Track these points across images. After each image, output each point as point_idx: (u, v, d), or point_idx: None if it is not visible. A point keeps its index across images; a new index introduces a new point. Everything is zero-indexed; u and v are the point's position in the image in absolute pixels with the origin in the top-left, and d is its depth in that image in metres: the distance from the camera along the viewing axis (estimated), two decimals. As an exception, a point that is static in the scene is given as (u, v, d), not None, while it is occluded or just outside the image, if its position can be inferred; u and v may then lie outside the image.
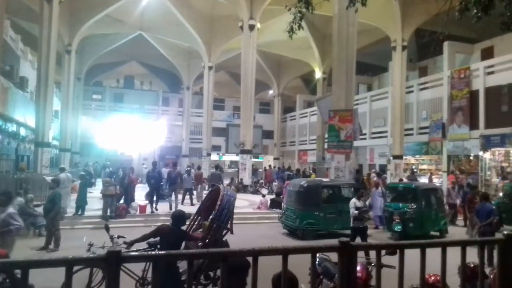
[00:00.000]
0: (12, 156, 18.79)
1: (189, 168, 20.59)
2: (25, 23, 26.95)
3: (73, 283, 2.25)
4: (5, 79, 16.95)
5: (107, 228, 6.83)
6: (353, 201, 9.77)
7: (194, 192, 18.72)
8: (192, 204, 16.99)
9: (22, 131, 21.16)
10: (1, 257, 3.55)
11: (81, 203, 13.85)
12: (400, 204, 12.32)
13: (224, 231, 6.73)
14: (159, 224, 13.37)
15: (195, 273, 5.86)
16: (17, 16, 25.30)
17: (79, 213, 13.84)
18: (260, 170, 33.54)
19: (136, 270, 6.14)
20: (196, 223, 7.48)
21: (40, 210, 11.52)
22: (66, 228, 11.68)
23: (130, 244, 6.02)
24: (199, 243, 6.28)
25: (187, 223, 6.75)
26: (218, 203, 6.50)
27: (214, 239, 6.43)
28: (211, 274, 6.67)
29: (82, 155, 34.57)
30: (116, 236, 6.68)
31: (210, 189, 19.96)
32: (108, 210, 13.67)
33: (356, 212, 9.52)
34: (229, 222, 6.71)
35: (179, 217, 5.78)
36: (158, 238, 5.97)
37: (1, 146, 17.38)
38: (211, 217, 6.48)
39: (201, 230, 7.09)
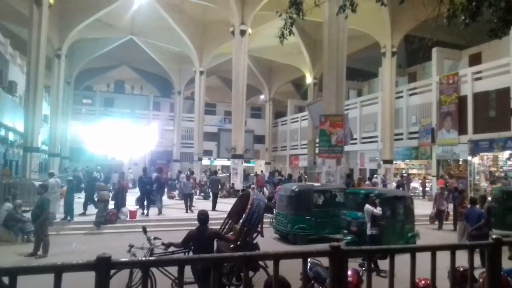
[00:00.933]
0: (0, 161, 18.53)
1: (188, 173, 20.25)
2: (14, 27, 26.72)
3: (114, 282, 2.21)
4: (-7, 83, 16.79)
5: (144, 230, 6.99)
6: (369, 208, 9.19)
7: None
8: (186, 212, 16.39)
9: (11, 136, 20.89)
10: (-12, 264, 3.48)
11: (68, 209, 13.67)
12: (359, 213, 10.43)
13: (255, 234, 6.94)
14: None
15: (228, 274, 6.03)
16: (6, 19, 25.11)
17: (68, 218, 13.68)
18: (252, 175, 33.49)
19: (173, 270, 6.14)
20: (227, 226, 7.68)
21: (28, 215, 11.37)
22: (55, 234, 11.53)
23: (167, 246, 6.31)
24: (231, 245, 6.46)
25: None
26: (249, 207, 6.68)
27: (245, 241, 6.60)
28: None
29: (72, 160, 34.23)
30: (152, 237, 6.82)
31: (206, 193, 19.97)
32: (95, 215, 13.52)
33: (378, 213, 9.12)
34: (259, 225, 6.93)
35: (204, 216, 5.94)
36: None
37: (-12, 151, 17.18)
38: (241, 220, 6.69)
39: (232, 233, 7.29)
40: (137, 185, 17.29)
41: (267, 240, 7.69)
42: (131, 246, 6.69)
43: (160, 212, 15.74)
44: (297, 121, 39.43)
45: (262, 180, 25.52)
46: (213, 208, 16.89)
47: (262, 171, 31.89)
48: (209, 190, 20.47)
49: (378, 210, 9.38)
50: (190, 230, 5.99)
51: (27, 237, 11.31)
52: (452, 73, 23.08)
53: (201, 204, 18.28)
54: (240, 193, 9.92)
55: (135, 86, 46.56)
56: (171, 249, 6.43)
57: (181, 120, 40.48)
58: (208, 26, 31.42)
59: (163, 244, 6.46)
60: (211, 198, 18.74)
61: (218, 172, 22.50)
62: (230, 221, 7.71)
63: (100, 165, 28.81)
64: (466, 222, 9.85)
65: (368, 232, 9.37)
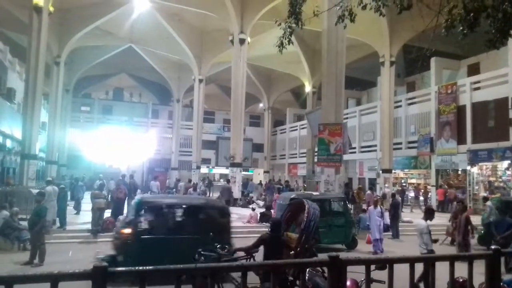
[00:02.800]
0: (-3, 168, 18.52)
1: (195, 183, 19.95)
2: (13, 34, 26.82)
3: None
4: (-8, 90, 16.80)
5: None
6: (425, 224, 7.98)
7: None
8: None
9: (8, 143, 20.85)
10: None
11: (60, 217, 13.57)
12: None
13: (313, 241, 7.07)
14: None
15: (292, 281, 5.99)
16: (5, 27, 25.20)
17: (64, 227, 13.55)
18: (252, 182, 33.41)
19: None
20: None
21: (25, 223, 11.29)
22: (51, 242, 11.44)
23: (233, 251, 6.67)
24: (291, 252, 6.57)
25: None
26: (306, 215, 6.76)
27: (304, 248, 6.68)
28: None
29: (70, 168, 34.12)
30: (218, 245, 6.89)
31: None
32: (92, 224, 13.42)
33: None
34: (317, 232, 7.12)
35: (278, 223, 6.30)
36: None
37: (-14, 158, 17.13)
38: (301, 227, 6.74)
39: None
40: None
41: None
42: (200, 251, 6.79)
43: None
44: (296, 129, 39.46)
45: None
46: None
47: (260, 181, 31.85)
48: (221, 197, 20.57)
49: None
50: (263, 234, 6.34)
51: (23, 245, 11.20)
52: (450, 83, 23.19)
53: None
54: (289, 202, 9.91)
55: (134, 93, 46.64)
56: (237, 254, 6.71)
57: (179, 128, 40.47)
58: (208, 34, 31.58)
59: (228, 251, 6.68)
60: None
61: (230, 181, 22.66)
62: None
63: (102, 173, 28.72)
64: (495, 230, 9.91)
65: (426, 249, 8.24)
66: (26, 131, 19.32)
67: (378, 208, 12.38)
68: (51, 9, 20.76)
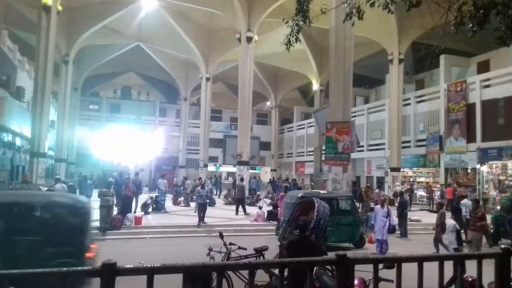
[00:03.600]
0: (7, 166, 18.65)
1: (204, 181, 19.70)
2: (22, 33, 27.04)
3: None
4: (1, 89, 16.93)
5: (221, 236, 7.26)
6: (452, 224, 8.38)
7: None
8: (199, 223, 14.85)
9: (18, 141, 21.04)
10: (-7, 269, 3.49)
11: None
12: None
13: (323, 240, 7.10)
14: (150, 236, 13.31)
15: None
16: (14, 26, 25.40)
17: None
18: (254, 179, 33.38)
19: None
20: (287, 232, 7.73)
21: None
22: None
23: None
24: None
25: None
26: (315, 213, 6.82)
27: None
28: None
29: (78, 166, 34.41)
30: (228, 243, 7.09)
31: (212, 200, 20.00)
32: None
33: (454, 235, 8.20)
34: (326, 231, 7.14)
35: (305, 224, 6.30)
36: (264, 245, 7.06)
37: (-4, 156, 17.29)
38: (310, 226, 6.74)
39: None
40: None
41: (273, 248, 7.64)
42: (210, 250, 6.98)
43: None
44: (304, 128, 39.39)
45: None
46: (245, 212, 17.92)
47: (270, 179, 31.89)
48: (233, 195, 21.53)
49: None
50: (292, 236, 6.45)
51: (33, 242, 11.31)
52: (460, 80, 22.98)
53: (210, 211, 17.26)
54: (299, 200, 10.00)
55: (141, 92, 46.83)
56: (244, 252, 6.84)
57: (187, 126, 40.60)
58: (215, 33, 31.63)
59: (255, 249, 6.89)
60: (216, 204, 19.20)
61: (243, 179, 22.95)
62: (289, 227, 7.81)
63: (112, 170, 28.91)
64: (510, 228, 9.90)
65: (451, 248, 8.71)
66: (35, 130, 19.51)
67: (385, 208, 11.81)
68: (60, 8, 20.92)
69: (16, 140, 20.68)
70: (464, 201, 13.57)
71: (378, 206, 12.00)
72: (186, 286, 2.62)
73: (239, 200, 18.71)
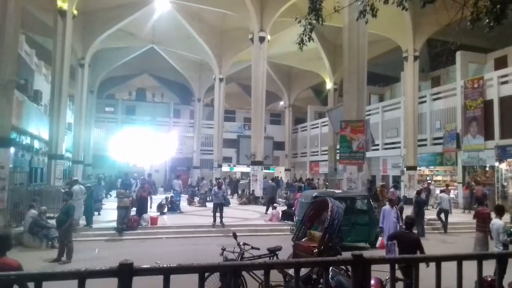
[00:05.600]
0: (26, 169, 19.00)
1: (220, 181, 19.56)
2: (39, 38, 27.54)
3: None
4: (19, 93, 17.24)
5: (235, 236, 7.34)
6: (501, 224, 7.76)
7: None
8: (214, 223, 14.77)
9: (36, 144, 21.43)
10: (14, 268, 3.57)
11: (86, 214, 13.88)
12: None
13: (337, 240, 7.13)
14: (166, 237, 13.40)
15: (316, 279, 6.09)
16: (31, 31, 25.88)
17: (90, 225, 13.87)
18: (265, 179, 33.36)
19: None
20: (301, 232, 7.77)
21: (53, 222, 11.60)
22: (78, 240, 11.72)
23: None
24: (315, 251, 6.61)
25: None
26: (329, 213, 6.80)
27: (328, 247, 6.74)
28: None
29: (95, 167, 34.87)
30: (241, 243, 7.13)
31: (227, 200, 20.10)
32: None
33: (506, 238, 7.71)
34: (340, 231, 7.17)
35: (411, 221, 7.07)
36: (278, 245, 7.19)
37: (15, 159, 17.58)
38: (324, 226, 6.78)
39: (306, 238, 7.52)
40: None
41: (288, 248, 7.63)
42: (223, 249, 7.06)
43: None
44: (317, 127, 39.19)
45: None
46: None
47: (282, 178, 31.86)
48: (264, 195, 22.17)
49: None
50: (397, 231, 7.07)
51: (51, 243, 11.52)
52: (477, 77, 22.56)
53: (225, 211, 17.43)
54: (312, 200, 10.00)
55: (156, 94, 47.26)
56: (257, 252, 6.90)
57: (201, 127, 40.81)
58: (227, 33, 31.71)
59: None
60: (230, 204, 19.28)
61: (277, 178, 23.38)
62: (303, 227, 7.81)
63: (127, 172, 29.26)
64: None
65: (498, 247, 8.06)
66: (52, 132, 19.84)
67: (394, 209, 10.90)
68: (75, 12, 21.25)
69: (34, 143, 21.06)
70: (441, 194, 15.15)
71: (388, 206, 10.99)
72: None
73: (270, 200, 19.34)
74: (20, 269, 3.54)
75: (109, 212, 16.19)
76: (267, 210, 18.52)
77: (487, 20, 5.58)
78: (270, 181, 20.89)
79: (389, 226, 10.35)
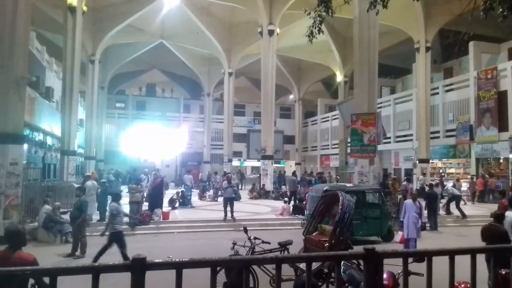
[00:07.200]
0: (39, 165, 19.25)
1: (230, 176, 19.43)
2: (50, 35, 27.75)
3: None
4: (31, 90, 17.41)
5: (245, 230, 7.38)
6: None
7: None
8: (225, 218, 14.77)
9: (49, 140, 21.68)
10: (30, 262, 3.63)
11: (100, 210, 14.02)
12: None
13: (348, 233, 7.11)
14: (177, 231, 13.48)
15: (327, 273, 6.10)
16: (42, 28, 26.08)
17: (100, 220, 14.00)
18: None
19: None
20: (311, 226, 7.77)
21: (66, 217, 11.74)
22: (92, 235, 11.86)
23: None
24: (326, 245, 6.59)
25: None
26: (340, 207, 6.78)
27: (339, 241, 6.73)
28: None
29: (107, 163, 35.22)
30: (252, 237, 7.12)
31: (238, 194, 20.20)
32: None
33: None
34: (351, 225, 7.20)
35: (502, 214, 6.83)
36: (289, 240, 7.14)
37: (28, 155, 17.82)
38: (335, 220, 6.76)
39: (316, 232, 7.51)
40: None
41: (299, 242, 7.62)
42: (234, 244, 7.06)
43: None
44: (328, 120, 38.99)
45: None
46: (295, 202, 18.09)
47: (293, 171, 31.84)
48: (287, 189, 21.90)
49: None
50: (485, 225, 6.67)
51: (65, 238, 11.68)
52: (490, 67, 22.19)
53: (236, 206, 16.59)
54: (323, 194, 9.92)
55: (165, 89, 47.44)
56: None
57: (210, 122, 40.89)
58: (236, 27, 31.62)
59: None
60: (242, 199, 19.50)
61: (294, 172, 24.75)
62: (314, 221, 7.80)
63: (138, 167, 29.43)
64: None
65: None
66: (65, 128, 20.05)
67: (417, 203, 10.34)
68: (85, 8, 21.35)
69: (47, 139, 21.31)
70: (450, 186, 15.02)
71: (410, 200, 10.46)
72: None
73: (292, 193, 19.46)
74: (36, 263, 3.59)
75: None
76: (289, 202, 17.69)
77: (501, 9, 5.47)
78: (291, 175, 21.16)
79: (410, 221, 9.89)
